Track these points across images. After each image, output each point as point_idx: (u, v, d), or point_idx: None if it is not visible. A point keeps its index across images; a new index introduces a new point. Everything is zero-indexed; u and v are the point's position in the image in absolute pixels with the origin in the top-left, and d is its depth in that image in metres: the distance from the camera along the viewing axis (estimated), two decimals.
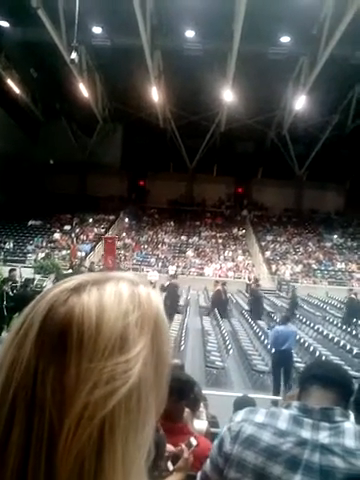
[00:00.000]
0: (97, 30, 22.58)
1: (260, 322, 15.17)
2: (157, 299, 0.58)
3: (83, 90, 24.98)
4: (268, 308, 18.44)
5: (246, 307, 18.38)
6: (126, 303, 0.54)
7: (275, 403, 7.61)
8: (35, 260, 23.76)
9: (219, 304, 16.65)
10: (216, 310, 16.29)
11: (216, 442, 1.56)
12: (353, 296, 16.58)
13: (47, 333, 0.50)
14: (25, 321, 0.53)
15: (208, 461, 1.58)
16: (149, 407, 0.54)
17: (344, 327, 14.59)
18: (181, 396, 2.35)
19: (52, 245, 27.76)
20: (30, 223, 30.57)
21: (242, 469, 1.41)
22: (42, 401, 0.48)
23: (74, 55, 17.32)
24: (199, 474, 1.63)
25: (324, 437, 1.37)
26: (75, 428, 0.47)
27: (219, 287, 17.40)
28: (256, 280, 19.80)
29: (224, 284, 18.12)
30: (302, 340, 12.03)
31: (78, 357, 0.49)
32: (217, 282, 18.06)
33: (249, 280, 24.18)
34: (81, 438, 0.47)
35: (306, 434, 1.39)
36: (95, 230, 30.29)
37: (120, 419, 0.50)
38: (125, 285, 0.56)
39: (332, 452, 1.34)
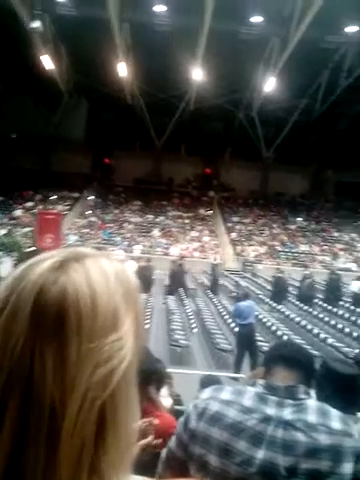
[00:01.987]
0: None
1: (224, 301, 15.42)
2: (133, 275, 0.59)
3: (47, 62, 24.07)
4: (231, 288, 18.78)
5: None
6: (112, 280, 0.53)
7: (236, 380, 7.82)
8: None
9: (179, 282, 16.83)
10: (181, 289, 16.47)
11: (182, 419, 1.58)
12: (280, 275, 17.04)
13: (42, 315, 0.48)
14: (8, 301, 0.50)
15: (173, 438, 1.60)
16: (134, 381, 0.55)
17: (305, 307, 15.01)
18: (144, 381, 2.35)
19: (14, 222, 27.06)
20: None
21: (207, 445, 1.44)
22: (41, 385, 0.47)
23: (37, 24, 16.67)
24: (164, 451, 1.65)
25: (288, 413, 1.41)
26: (79, 411, 0.47)
27: (179, 263, 17.62)
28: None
29: (182, 259, 18.35)
30: (265, 320, 12.34)
31: (78, 339, 0.48)
32: (173, 261, 18.17)
33: (214, 260, 24.47)
34: (85, 422, 0.47)
35: (271, 411, 1.43)
36: (59, 207, 29.68)
37: (120, 397, 0.51)
38: (105, 261, 0.55)
39: (295, 427, 1.38)
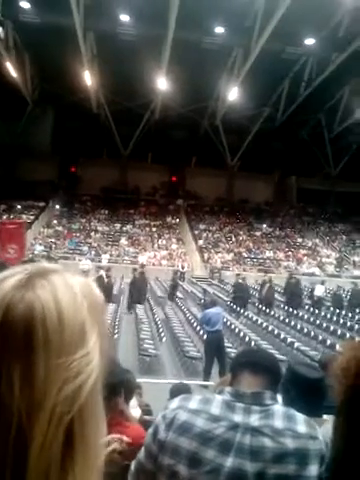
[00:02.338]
0: (25, 5, 21.42)
1: (193, 309, 15.44)
2: (97, 289, 0.59)
3: (10, 69, 23.67)
4: (200, 295, 18.84)
5: (179, 295, 18.67)
6: (78, 295, 0.53)
7: (206, 388, 7.83)
8: None
9: (140, 290, 16.80)
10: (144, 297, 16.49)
11: (150, 430, 1.56)
12: (240, 281, 17.27)
13: (9, 332, 0.48)
14: None
15: (142, 449, 1.58)
16: (100, 394, 0.55)
17: (272, 313, 15.25)
18: (112, 393, 2.32)
19: None
20: None
21: (176, 455, 1.43)
22: (8, 404, 0.46)
23: None
24: (133, 463, 1.63)
25: (255, 420, 1.43)
26: (47, 427, 0.46)
27: (141, 270, 17.57)
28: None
29: (143, 267, 18.37)
30: (233, 326, 12.44)
31: (46, 354, 0.48)
32: (135, 270, 18.08)
33: (182, 268, 24.54)
34: (55, 436, 0.47)
35: (238, 418, 1.43)
36: (24, 217, 29.07)
37: (88, 411, 0.50)
38: (69, 276, 0.55)
39: (262, 433, 1.39)
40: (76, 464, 0.49)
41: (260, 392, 1.50)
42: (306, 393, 2.02)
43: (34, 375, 0.47)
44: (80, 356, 0.49)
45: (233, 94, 25.50)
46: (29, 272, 0.53)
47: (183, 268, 24.59)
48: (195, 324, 12.44)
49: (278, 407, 1.49)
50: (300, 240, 31.74)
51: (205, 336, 9.88)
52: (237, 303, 16.14)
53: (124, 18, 22.13)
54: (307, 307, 16.96)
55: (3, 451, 0.45)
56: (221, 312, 10.19)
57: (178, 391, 4.72)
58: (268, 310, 15.37)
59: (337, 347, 9.69)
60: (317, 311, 16.00)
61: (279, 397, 1.81)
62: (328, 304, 17.79)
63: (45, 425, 0.46)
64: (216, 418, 1.44)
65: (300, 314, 15.16)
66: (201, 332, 11.28)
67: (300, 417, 1.45)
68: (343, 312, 15.92)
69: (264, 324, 13.02)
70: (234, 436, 1.40)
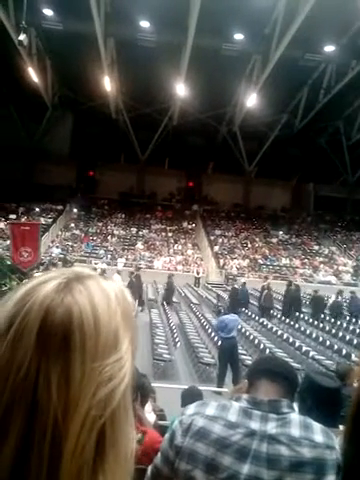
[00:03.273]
0: (48, 13, 21.81)
1: (208, 315, 15.41)
2: (129, 295, 0.60)
3: (32, 75, 24.09)
4: (214, 301, 18.82)
5: (194, 300, 18.65)
6: (112, 301, 0.55)
7: (220, 394, 7.80)
8: None
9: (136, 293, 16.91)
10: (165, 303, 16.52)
11: (167, 435, 1.58)
12: (291, 287, 17.43)
13: (49, 335, 0.49)
14: (13, 322, 0.50)
15: (159, 454, 1.59)
16: (130, 398, 0.56)
17: (287, 320, 15.14)
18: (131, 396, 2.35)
19: None
20: None
21: (193, 461, 1.44)
22: (45, 404, 0.47)
23: (23, 37, 16.67)
24: (150, 467, 1.64)
25: (272, 428, 1.43)
26: (81, 430, 0.48)
27: (137, 274, 17.71)
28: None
29: (138, 270, 18.50)
30: (247, 333, 12.37)
31: (82, 358, 0.49)
32: (132, 273, 18.17)
33: (197, 274, 24.53)
34: (88, 439, 0.48)
35: (255, 425, 1.44)
36: (42, 220, 29.43)
37: (120, 415, 0.52)
38: (104, 282, 0.57)
39: (279, 441, 1.40)
40: (107, 467, 0.50)
41: (277, 400, 1.50)
42: (323, 402, 2.01)
43: (70, 378, 0.48)
44: (113, 361, 0.51)
45: (251, 100, 25.49)
46: (67, 277, 0.55)
47: (198, 274, 24.57)
48: (210, 330, 12.42)
49: (295, 416, 1.49)
50: (317, 248, 31.44)
51: (219, 342, 9.84)
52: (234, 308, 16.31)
53: (144, 24, 22.34)
54: (323, 316, 16.79)
55: (40, 450, 0.46)
56: (238, 319, 10.14)
57: (189, 395, 4.72)
58: (266, 315, 15.53)
59: (353, 357, 9.58)
60: (333, 320, 15.86)
61: (295, 406, 1.81)
62: (345, 313, 17.64)
63: (79, 427, 0.47)
64: (233, 425, 1.45)
65: (315, 323, 15.03)
66: (216, 338, 11.26)
67: (317, 426, 1.45)
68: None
69: (279, 332, 12.92)
70: (251, 443, 1.41)
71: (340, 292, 18.28)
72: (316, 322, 15.04)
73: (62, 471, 0.46)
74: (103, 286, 0.56)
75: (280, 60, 21.05)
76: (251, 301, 18.55)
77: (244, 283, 18.48)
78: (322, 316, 16.07)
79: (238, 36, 22.60)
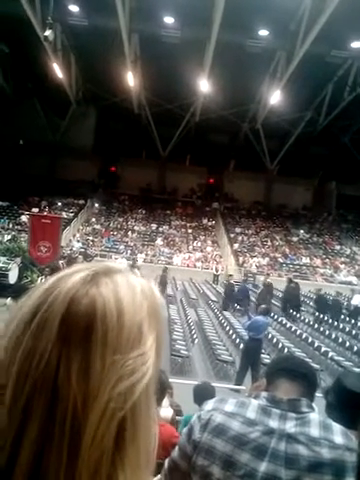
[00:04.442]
0: (74, 8, 21.98)
1: (226, 313, 15.39)
2: (158, 292, 0.61)
3: (57, 70, 24.35)
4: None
5: (212, 297, 18.64)
6: (139, 296, 0.55)
7: (237, 392, 7.78)
8: (0, 242, 23.19)
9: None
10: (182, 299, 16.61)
11: (185, 430, 1.59)
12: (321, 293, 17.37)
13: (71, 325, 0.50)
14: (38, 311, 0.51)
15: (177, 448, 1.60)
16: (154, 395, 0.56)
17: (306, 320, 14.99)
18: None
19: (19, 227, 27.16)
20: None
21: (210, 456, 1.44)
22: (66, 393, 0.48)
23: (48, 32, 16.91)
24: (167, 461, 1.65)
25: (290, 427, 1.42)
26: (99, 422, 0.48)
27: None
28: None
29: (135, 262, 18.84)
30: (266, 332, 12.30)
31: (103, 350, 0.50)
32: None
33: (216, 271, 24.49)
34: (106, 430, 0.48)
35: (274, 423, 1.44)
36: (64, 214, 29.80)
37: (141, 410, 0.52)
38: (133, 277, 0.58)
39: (297, 441, 1.39)
40: (126, 461, 0.50)
41: (297, 399, 1.50)
42: (346, 404, 1.99)
43: (90, 369, 0.49)
44: (136, 355, 0.51)
45: (275, 98, 25.24)
46: (95, 270, 0.56)
47: (217, 271, 24.52)
48: (228, 328, 12.40)
49: (314, 415, 1.48)
50: (338, 247, 31.01)
51: (246, 341, 9.73)
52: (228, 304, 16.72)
53: (168, 20, 22.31)
54: (343, 317, 16.57)
55: (60, 437, 0.47)
56: (269, 321, 10.06)
57: (202, 390, 4.72)
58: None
59: None
60: (353, 321, 15.65)
61: (315, 407, 1.79)
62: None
63: (98, 417, 0.48)
64: (251, 422, 1.45)
65: (335, 323, 14.85)
66: (234, 336, 11.23)
67: (337, 427, 1.44)
68: None
69: (298, 331, 12.81)
70: (269, 441, 1.40)
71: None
72: (316, 323, 14.85)
73: (80, 459, 0.47)
74: (131, 281, 0.57)
75: (305, 56, 20.77)
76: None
77: (245, 280, 18.47)
78: (322, 316, 15.88)
79: (263, 32, 22.36)
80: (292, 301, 16.82)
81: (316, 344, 11.19)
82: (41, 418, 0.47)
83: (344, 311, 17.18)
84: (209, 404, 1.58)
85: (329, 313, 16.03)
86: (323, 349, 10.72)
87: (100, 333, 0.50)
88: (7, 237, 24.22)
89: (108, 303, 0.52)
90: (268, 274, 20.21)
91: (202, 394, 4.45)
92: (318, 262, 28.50)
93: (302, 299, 19.17)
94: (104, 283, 0.54)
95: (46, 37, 16.53)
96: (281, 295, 18.46)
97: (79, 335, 0.49)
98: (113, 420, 0.49)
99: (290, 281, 18.08)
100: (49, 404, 0.48)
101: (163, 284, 18.43)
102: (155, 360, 0.55)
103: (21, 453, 0.47)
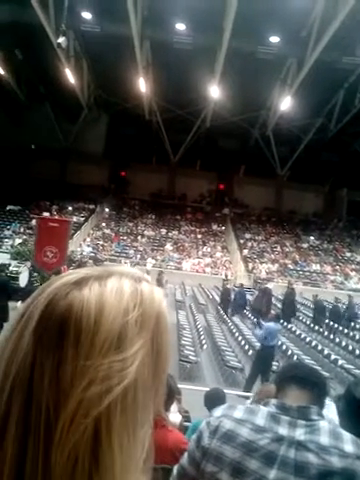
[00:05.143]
0: (87, 16, 22.23)
1: (235, 318, 15.33)
2: (160, 297, 0.58)
3: (69, 76, 24.59)
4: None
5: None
6: (127, 300, 0.53)
7: (246, 398, 7.73)
8: (12, 246, 23.38)
9: None
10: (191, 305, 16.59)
11: (194, 436, 1.58)
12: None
13: (46, 326, 0.50)
14: (25, 312, 0.53)
15: (186, 454, 1.60)
16: (146, 405, 0.54)
17: (316, 327, 14.88)
18: None
19: (30, 231, 27.34)
20: (8, 208, 30.08)
21: (219, 463, 1.44)
22: (39, 394, 0.48)
23: (62, 39, 17.06)
24: (176, 467, 1.65)
25: (300, 434, 1.42)
26: (70, 424, 0.48)
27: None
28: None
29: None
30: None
31: (74, 353, 0.49)
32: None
33: (226, 277, 24.42)
34: (75, 434, 0.47)
35: (283, 431, 1.43)
36: (74, 218, 29.97)
37: (116, 417, 0.50)
38: (127, 281, 0.55)
39: (307, 448, 1.38)
40: (104, 468, 0.49)
41: (306, 407, 1.49)
42: (356, 413, 1.97)
43: (61, 372, 0.49)
44: (112, 361, 0.50)
45: (285, 104, 25.22)
46: (89, 273, 0.55)
47: (227, 276, 24.46)
48: (237, 334, 12.34)
49: (324, 423, 1.48)
50: (349, 254, 30.77)
51: (258, 349, 9.64)
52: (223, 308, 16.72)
53: (180, 27, 22.45)
54: (353, 324, 16.41)
55: (36, 435, 0.48)
56: (280, 328, 9.98)
57: (213, 396, 4.71)
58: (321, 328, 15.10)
59: None
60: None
61: (326, 412, 1.78)
62: None
63: (68, 419, 0.48)
64: (261, 429, 1.44)
65: (345, 331, 14.71)
66: (243, 342, 11.18)
67: (347, 436, 1.43)
68: None
69: (307, 338, 12.72)
70: (278, 449, 1.40)
71: None
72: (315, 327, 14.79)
73: (53, 458, 0.47)
74: (122, 285, 0.54)
75: (316, 63, 20.75)
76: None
77: (241, 285, 18.75)
78: (317, 322, 15.80)
79: (274, 39, 22.40)
80: (286, 306, 16.67)
81: (325, 351, 11.10)
82: (20, 417, 0.48)
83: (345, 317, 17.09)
84: (218, 410, 1.58)
85: (328, 319, 15.96)
86: (333, 357, 10.63)
87: (72, 337, 0.49)
88: (18, 241, 24.46)
89: (86, 306, 0.50)
90: (267, 280, 20.29)
91: (213, 400, 4.45)
92: (328, 269, 28.30)
93: (310, 305, 19.05)
94: (89, 286, 0.53)
95: (59, 44, 16.71)
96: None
97: (52, 337, 0.50)
98: (83, 423, 0.48)
99: (290, 284, 18.06)
100: (25, 403, 0.48)
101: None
102: (145, 366, 0.53)
103: (6, 451, 0.48)
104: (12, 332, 0.52)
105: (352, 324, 16.13)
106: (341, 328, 14.95)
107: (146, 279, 0.59)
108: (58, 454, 0.47)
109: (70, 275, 0.55)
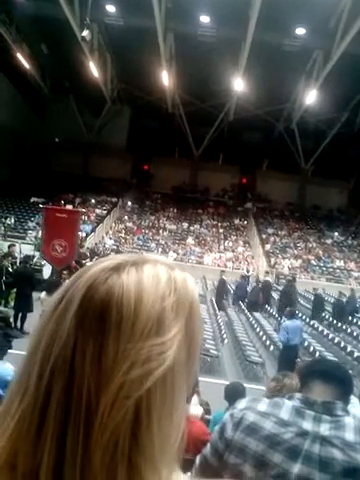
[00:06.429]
0: (111, 9, 22.26)
1: (256, 314, 15.26)
2: (192, 284, 0.59)
3: (93, 69, 24.74)
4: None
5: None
6: (163, 287, 0.55)
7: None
8: (36, 237, 23.74)
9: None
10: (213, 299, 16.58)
11: (218, 427, 1.59)
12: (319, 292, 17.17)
13: (87, 310, 0.51)
14: (64, 297, 0.54)
15: (208, 445, 1.61)
16: (182, 388, 0.55)
17: (339, 324, 14.68)
18: None
19: None
20: (33, 200, 30.48)
21: (242, 455, 1.44)
22: (81, 376, 0.50)
23: (86, 33, 17.20)
24: (198, 457, 1.66)
25: (325, 429, 1.41)
26: (111, 406, 0.49)
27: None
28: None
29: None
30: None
31: (116, 337, 0.50)
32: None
33: (247, 272, 24.28)
34: (116, 416, 0.49)
35: (307, 425, 1.42)
36: (97, 211, 30.25)
37: (156, 399, 0.51)
38: (163, 268, 0.57)
39: (332, 444, 1.37)
40: (143, 447, 0.50)
41: (331, 402, 1.48)
42: None
43: (103, 354, 0.50)
44: (152, 344, 0.51)
45: (311, 97, 24.82)
46: (124, 259, 0.57)
47: (248, 272, 24.32)
48: (258, 329, 12.30)
49: (349, 420, 1.46)
50: None
51: (281, 349, 9.61)
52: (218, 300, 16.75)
53: (204, 19, 22.27)
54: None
55: (77, 415, 0.49)
56: (299, 324, 9.87)
57: (233, 390, 4.72)
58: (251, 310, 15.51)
59: None
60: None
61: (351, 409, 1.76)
62: None
63: (110, 401, 0.49)
64: (285, 423, 1.44)
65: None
66: (264, 338, 11.14)
67: None
68: None
69: (330, 335, 12.58)
70: (302, 443, 1.39)
71: None
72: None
73: (93, 439, 0.48)
74: (158, 271, 0.56)
75: (343, 56, 20.32)
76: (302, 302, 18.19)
77: (242, 276, 18.97)
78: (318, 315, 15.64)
79: (300, 31, 21.99)
80: (284, 299, 16.39)
81: (348, 349, 10.96)
82: (60, 399, 0.49)
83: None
84: (242, 403, 1.58)
85: (331, 313, 15.84)
86: (356, 354, 10.48)
87: (114, 321, 0.51)
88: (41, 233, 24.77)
89: (126, 292, 0.52)
90: (267, 272, 20.27)
91: (233, 393, 4.47)
92: (352, 265, 27.86)
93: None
94: (126, 272, 0.54)
95: (83, 37, 16.84)
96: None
97: (93, 322, 0.51)
98: (125, 405, 0.49)
99: (292, 277, 17.91)
100: (66, 386, 0.50)
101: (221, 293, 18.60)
102: (181, 350, 0.54)
103: (46, 433, 0.49)
104: (51, 315, 0.54)
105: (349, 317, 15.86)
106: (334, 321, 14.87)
107: (179, 267, 0.60)
108: (99, 436, 0.48)
109: (107, 261, 0.56)
